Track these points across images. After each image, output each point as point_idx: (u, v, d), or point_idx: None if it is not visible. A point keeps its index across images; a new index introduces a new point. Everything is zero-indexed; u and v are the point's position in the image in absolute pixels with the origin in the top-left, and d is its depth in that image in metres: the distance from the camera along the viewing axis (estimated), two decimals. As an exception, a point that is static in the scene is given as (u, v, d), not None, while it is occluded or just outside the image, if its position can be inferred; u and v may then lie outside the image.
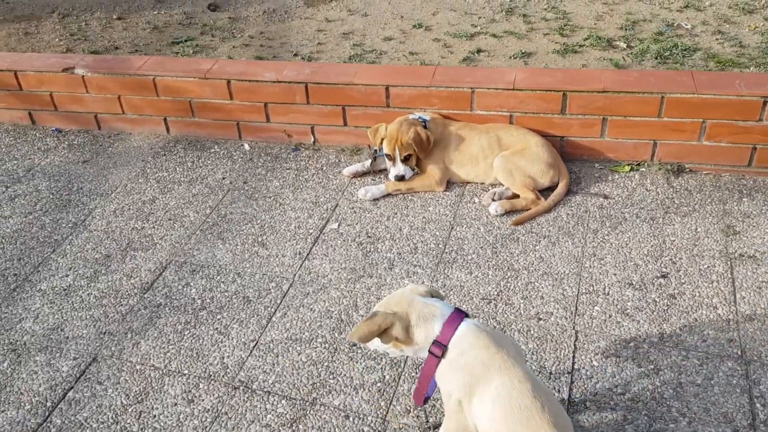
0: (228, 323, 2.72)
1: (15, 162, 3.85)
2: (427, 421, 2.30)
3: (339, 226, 3.18)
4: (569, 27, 5.02)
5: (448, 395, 1.97)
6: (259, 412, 2.35)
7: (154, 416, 2.36)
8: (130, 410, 2.39)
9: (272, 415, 2.34)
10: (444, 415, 2.03)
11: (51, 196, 3.54)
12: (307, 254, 3.03)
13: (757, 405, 2.26)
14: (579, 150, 3.45)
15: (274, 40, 5.10)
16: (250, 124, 3.80)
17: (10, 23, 5.59)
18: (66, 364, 2.58)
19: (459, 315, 1.94)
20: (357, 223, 3.19)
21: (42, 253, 3.15)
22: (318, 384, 2.44)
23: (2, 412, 2.41)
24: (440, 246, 3.02)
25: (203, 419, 2.34)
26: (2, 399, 2.46)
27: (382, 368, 2.48)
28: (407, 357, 2.48)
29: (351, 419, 2.31)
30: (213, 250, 3.10)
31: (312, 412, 2.34)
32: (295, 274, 2.93)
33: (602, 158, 3.45)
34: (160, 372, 2.52)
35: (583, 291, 2.74)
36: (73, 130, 4.12)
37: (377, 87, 3.48)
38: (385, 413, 2.32)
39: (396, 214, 3.24)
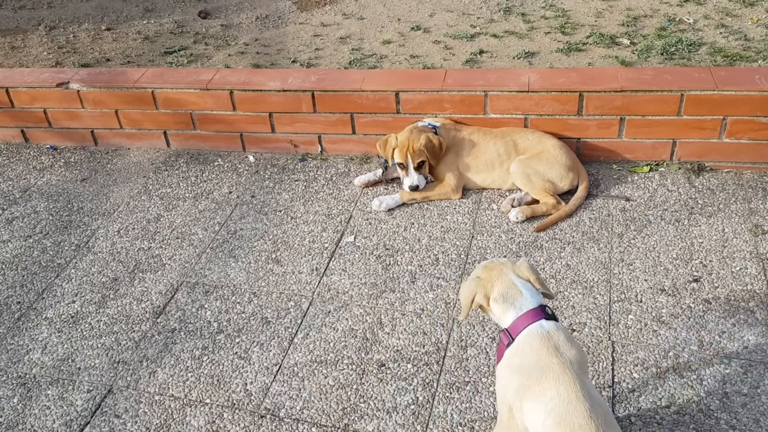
0: (248, 347, 2.59)
1: (10, 183, 3.70)
2: None
3: (355, 238, 3.07)
4: (570, 25, 4.94)
5: (500, 397, 1.91)
6: (289, 442, 2.24)
7: (179, 450, 2.25)
8: (152, 445, 2.27)
9: (303, 444, 2.23)
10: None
11: (50, 218, 3.40)
12: (325, 270, 2.92)
13: (809, 414, 2.18)
14: (596, 151, 3.36)
15: (270, 46, 4.97)
16: (255, 135, 3.68)
17: (-6, 37, 5.42)
18: (80, 398, 2.45)
19: (537, 314, 1.86)
20: (373, 235, 3.08)
21: (45, 279, 3.01)
22: (348, 409, 2.32)
23: (15, 452, 2.28)
24: (462, 256, 2.92)
25: (231, 452, 2.22)
26: (14, 438, 2.33)
27: (414, 389, 2.37)
28: (440, 374, 2.38)
29: (387, 446, 2.21)
30: (225, 269, 2.97)
31: (345, 439, 2.24)
32: (313, 292, 2.81)
33: (620, 159, 3.37)
34: (181, 402, 2.40)
35: (615, 299, 2.65)
36: (69, 147, 3.97)
37: (386, 93, 3.37)
38: (422, 438, 2.22)
39: (413, 224, 3.13)
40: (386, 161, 3.34)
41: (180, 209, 3.37)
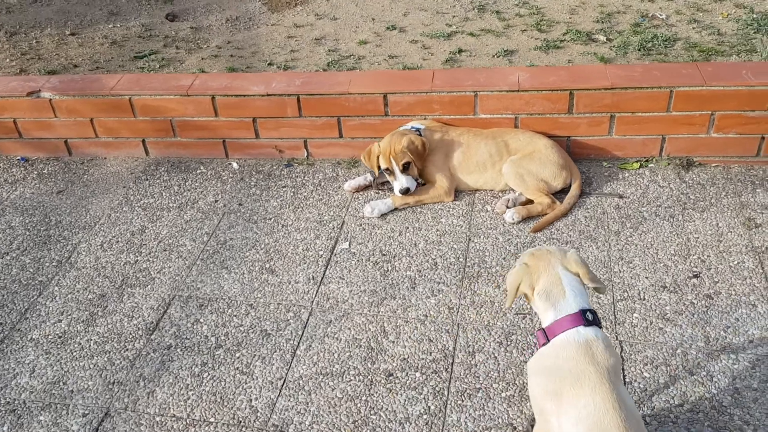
0: (249, 361, 2.51)
1: (-20, 197, 3.53)
2: None
3: (350, 245, 3.01)
4: (545, 22, 4.95)
5: (533, 396, 1.88)
6: (301, 459, 2.17)
7: (186, 474, 2.15)
8: (157, 469, 2.17)
9: (317, 461, 2.16)
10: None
11: (27, 233, 3.25)
12: (322, 278, 2.85)
13: (821, 406, 2.19)
14: (586, 149, 3.36)
15: (243, 49, 4.86)
16: (238, 141, 3.58)
17: (-49, 44, 5.18)
18: (75, 422, 2.33)
19: (576, 319, 1.81)
20: (369, 241, 3.02)
21: (28, 298, 2.87)
22: (360, 422, 2.26)
23: (11, 484, 2.16)
24: (461, 260, 2.88)
25: (241, 473, 2.14)
26: (8, 469, 2.21)
27: (425, 398, 2.32)
28: (450, 381, 2.34)
29: (403, 458, 2.15)
30: (218, 281, 2.88)
31: (359, 454, 2.17)
32: (312, 301, 2.74)
33: (610, 156, 3.37)
34: (184, 422, 2.30)
35: (618, 297, 2.64)
36: (42, 158, 3.81)
37: (374, 95, 3.31)
38: (438, 448, 2.17)
39: (408, 228, 3.08)
40: (373, 173, 3.28)
41: (165, 220, 3.26)
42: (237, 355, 2.54)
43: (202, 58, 4.73)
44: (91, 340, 2.65)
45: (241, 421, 2.29)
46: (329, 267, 2.90)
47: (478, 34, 4.83)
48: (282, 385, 2.41)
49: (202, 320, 2.70)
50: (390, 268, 2.86)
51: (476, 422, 2.23)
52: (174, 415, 2.33)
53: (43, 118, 3.64)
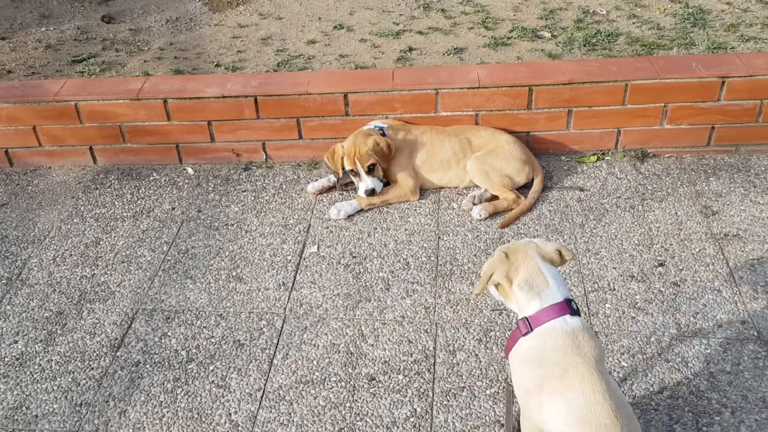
0: (224, 373, 2.42)
1: None
2: None
3: (318, 248, 2.95)
4: (491, 20, 4.99)
5: (519, 387, 1.87)
6: (289, 472, 2.11)
7: (169, 496, 2.06)
8: (137, 493, 2.07)
9: (306, 472, 2.10)
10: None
11: (-30, 250, 3.05)
12: (293, 284, 2.78)
13: (791, 385, 2.28)
14: (545, 144, 3.40)
15: (188, 50, 4.71)
16: (193, 145, 3.46)
17: None
18: (43, 449, 2.20)
19: (562, 309, 1.81)
20: (337, 244, 2.97)
21: (-23, 319, 2.70)
22: (346, 429, 2.21)
23: None
24: (432, 258, 2.87)
25: (228, 490, 2.06)
26: (-28, 504, 2.06)
27: (410, 400, 2.29)
28: (434, 382, 2.32)
29: (394, 463, 2.12)
30: (183, 292, 2.77)
31: (349, 461, 2.13)
32: (285, 308, 2.67)
33: (568, 150, 3.43)
34: (161, 441, 2.20)
35: (590, 289, 2.68)
36: (-21, 169, 3.59)
37: (335, 95, 3.26)
38: (429, 451, 2.15)
39: (376, 229, 3.05)
40: (337, 174, 3.23)
41: (120, 230, 3.12)
42: (211, 368, 2.45)
43: (145, 61, 4.56)
44: (52, 360, 2.51)
45: (222, 437, 2.21)
46: (299, 272, 2.83)
47: (426, 32, 4.83)
48: (262, 397, 2.33)
49: (170, 333, 2.59)
50: (362, 270, 2.82)
51: (464, 422, 2.22)
52: (150, 434, 2.23)
53: (-21, 127, 3.43)
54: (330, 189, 3.29)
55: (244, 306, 2.69)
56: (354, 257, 2.89)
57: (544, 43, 4.61)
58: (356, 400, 2.30)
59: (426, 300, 2.67)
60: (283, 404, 2.30)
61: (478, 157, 3.16)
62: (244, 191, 3.32)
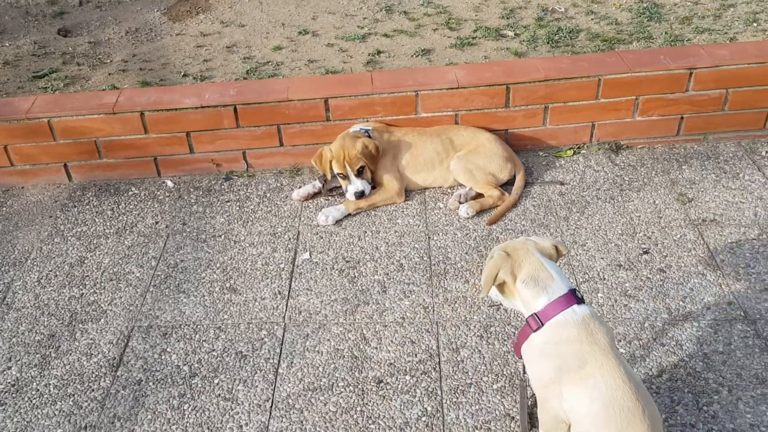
0: (230, 386, 2.41)
1: None
2: None
3: (311, 255, 2.95)
4: (454, 21, 5.06)
5: (537, 381, 1.91)
6: (309, 479, 2.11)
7: None
8: None
9: (325, 478, 2.11)
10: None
11: (-52, 276, 2.95)
12: (289, 292, 2.77)
13: (781, 360, 2.39)
14: (523, 141, 3.47)
15: (152, 61, 4.64)
16: (171, 157, 3.42)
17: None
18: (51, 476, 2.15)
19: (569, 299, 1.86)
20: (329, 249, 2.98)
21: (-36, 347, 2.61)
22: (360, 433, 2.23)
23: None
24: (425, 259, 2.90)
25: (248, 502, 2.05)
26: None
27: (420, 400, 2.32)
28: (441, 380, 2.35)
29: (412, 463, 2.14)
30: (178, 307, 2.74)
31: (367, 465, 2.14)
32: (284, 316, 2.66)
33: (545, 146, 3.50)
34: (174, 459, 2.18)
35: (581, 280, 2.76)
36: (-53, 192, 3.47)
37: (315, 101, 3.26)
38: (445, 448, 2.18)
39: (366, 232, 3.06)
40: (324, 175, 3.23)
41: (104, 248, 3.06)
42: (216, 381, 2.43)
43: (110, 74, 4.47)
44: (50, 384, 2.45)
45: (236, 449, 2.20)
46: (294, 279, 2.83)
47: (391, 34, 4.86)
48: (271, 407, 2.33)
49: (169, 349, 2.56)
50: (357, 274, 2.84)
51: (475, 417, 2.25)
52: (161, 452, 2.20)
53: (-54, 149, 3.31)
54: (315, 195, 3.29)
55: (242, 317, 2.67)
56: (347, 262, 2.90)
57: (508, 41, 4.70)
58: (366, 404, 2.31)
59: (424, 300, 2.70)
60: (293, 413, 2.30)
61: (461, 156, 3.21)
62: (228, 201, 3.30)
